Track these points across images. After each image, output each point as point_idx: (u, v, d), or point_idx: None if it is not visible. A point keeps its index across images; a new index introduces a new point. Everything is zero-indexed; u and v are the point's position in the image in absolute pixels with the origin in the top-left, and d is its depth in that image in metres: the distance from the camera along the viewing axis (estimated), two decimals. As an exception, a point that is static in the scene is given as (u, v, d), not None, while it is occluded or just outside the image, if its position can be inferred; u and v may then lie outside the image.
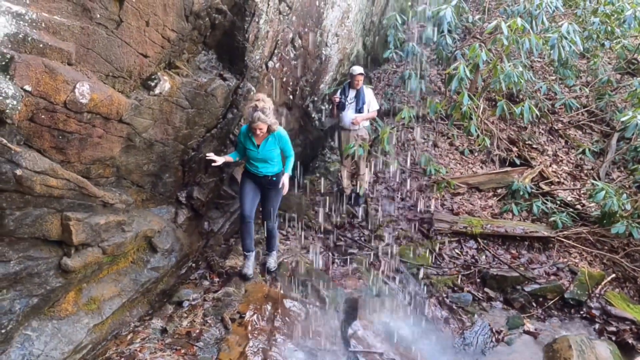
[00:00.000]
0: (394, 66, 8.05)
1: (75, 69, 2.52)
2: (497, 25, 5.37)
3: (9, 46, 2.10)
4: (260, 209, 4.37)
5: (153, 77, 3.16)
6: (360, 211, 6.03)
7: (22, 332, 2.53)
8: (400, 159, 6.60)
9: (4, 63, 2.09)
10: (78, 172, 2.79)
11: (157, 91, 3.17)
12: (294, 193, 5.99)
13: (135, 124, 3.10)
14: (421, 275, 5.10)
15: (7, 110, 2.10)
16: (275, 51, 4.69)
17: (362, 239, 5.64)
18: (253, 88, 4.31)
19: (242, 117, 4.21)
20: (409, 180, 6.49)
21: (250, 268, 4.24)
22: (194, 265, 4.35)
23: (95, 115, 2.70)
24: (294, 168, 4.39)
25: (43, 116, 2.38)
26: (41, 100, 2.32)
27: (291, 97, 5.52)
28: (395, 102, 7.33)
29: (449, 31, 6.17)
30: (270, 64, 4.70)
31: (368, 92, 5.58)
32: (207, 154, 3.86)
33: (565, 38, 5.43)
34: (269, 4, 4.06)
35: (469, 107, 5.61)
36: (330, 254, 5.29)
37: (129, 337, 3.26)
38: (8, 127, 2.20)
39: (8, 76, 2.10)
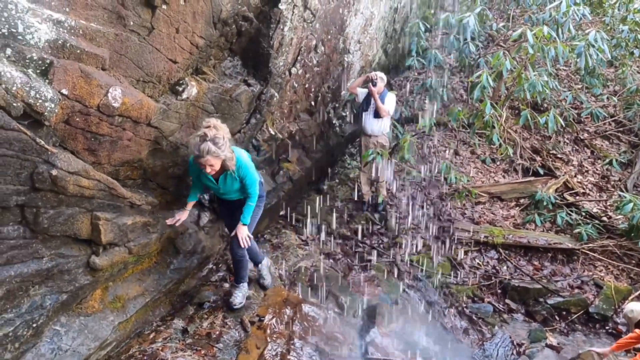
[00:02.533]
0: (416, 74, 8.03)
1: (109, 74, 2.61)
2: (523, 33, 5.31)
3: (49, 52, 2.20)
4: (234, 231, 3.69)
5: (181, 82, 3.25)
6: (379, 218, 6.01)
7: (51, 327, 2.62)
8: (420, 167, 6.56)
9: (43, 68, 2.18)
10: (108, 173, 2.88)
11: (184, 96, 3.26)
12: (314, 197, 6.03)
13: (163, 127, 3.18)
14: (440, 284, 5.04)
15: (46, 113, 2.19)
16: (299, 58, 4.75)
17: (381, 246, 5.62)
18: (276, 94, 4.37)
19: (189, 148, 3.26)
20: (429, 189, 6.44)
21: (238, 297, 3.77)
22: (214, 267, 4.41)
23: (126, 119, 2.79)
24: (257, 215, 3.71)
25: (77, 119, 2.47)
26: (76, 104, 2.41)
27: (313, 103, 5.57)
28: (416, 109, 7.31)
29: (472, 39, 6.14)
30: (294, 70, 4.76)
31: (390, 98, 5.58)
32: (167, 221, 3.44)
33: (593, 46, 5.33)
34: (293, 12, 4.13)
35: (491, 116, 5.55)
36: (349, 260, 5.29)
37: (151, 336, 3.32)
38: (45, 129, 2.30)
39: (47, 80, 2.20)
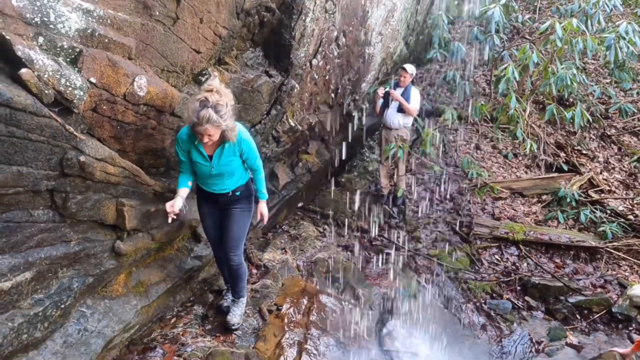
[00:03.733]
0: (438, 66, 7.91)
1: (135, 63, 2.66)
2: (551, 25, 5.17)
3: (79, 40, 2.26)
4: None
5: (204, 72, 3.28)
6: (397, 212, 5.99)
7: (78, 309, 2.71)
8: (441, 161, 6.49)
9: (73, 56, 2.24)
10: (132, 161, 2.94)
11: (207, 86, 3.29)
12: (332, 189, 6.04)
13: (186, 117, 3.23)
14: (459, 279, 5.00)
15: (75, 101, 2.25)
16: (320, 49, 4.74)
17: (399, 239, 5.59)
18: (297, 85, 4.38)
19: (183, 116, 2.93)
20: (449, 183, 6.37)
21: (237, 316, 3.38)
22: (233, 256, 4.47)
23: (151, 108, 2.84)
24: (269, 183, 3.44)
25: (104, 107, 2.53)
26: (104, 92, 2.47)
27: (333, 95, 5.55)
28: (438, 103, 7.21)
29: (497, 31, 6.00)
30: (314, 61, 4.75)
31: (414, 93, 5.51)
32: (168, 210, 2.85)
33: (624, 38, 5.15)
34: (315, 2, 4.11)
35: (516, 110, 5.44)
36: (366, 252, 5.29)
37: (172, 320, 3.40)
38: (74, 117, 2.36)
39: (77, 68, 2.25)
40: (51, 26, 2.10)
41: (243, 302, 3.52)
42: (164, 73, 2.95)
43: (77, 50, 2.24)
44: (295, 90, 4.37)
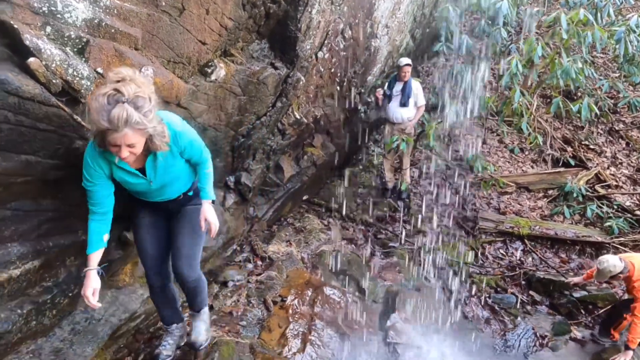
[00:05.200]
0: (444, 60, 7.86)
1: (141, 53, 2.66)
2: (557, 17, 5.11)
3: (86, 30, 2.26)
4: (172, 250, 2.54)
5: (210, 64, 3.28)
6: (402, 205, 5.99)
7: (85, 297, 2.74)
8: (446, 155, 6.47)
9: (80, 46, 2.24)
10: (138, 152, 2.96)
11: (213, 78, 3.29)
12: (337, 183, 6.04)
13: (192, 108, 3.23)
14: (463, 273, 5.00)
15: (82, 90, 2.25)
16: (326, 42, 4.72)
17: (404, 233, 5.60)
18: (302, 78, 4.37)
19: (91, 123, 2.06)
20: (454, 177, 6.35)
21: (168, 347, 2.69)
22: (238, 248, 4.50)
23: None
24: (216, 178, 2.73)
25: (111, 98, 2.54)
26: (110, 83, 2.47)
27: (338, 88, 5.54)
28: (443, 96, 7.18)
29: (505, 24, 5.95)
30: (320, 54, 4.74)
31: (415, 86, 5.51)
32: (88, 303, 2.21)
33: (634, 32, 5.09)
34: (322, -6, 4.09)
35: (520, 104, 5.40)
36: (370, 246, 5.30)
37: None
38: (81, 107, 2.37)
39: (84, 58, 2.26)
40: (58, 16, 2.11)
41: (206, 313, 2.81)
42: (170, 64, 2.95)
43: (84, 40, 2.25)
44: (301, 82, 4.36)
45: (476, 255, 5.30)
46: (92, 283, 2.20)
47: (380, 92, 5.59)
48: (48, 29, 2.07)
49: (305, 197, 5.83)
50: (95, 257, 2.25)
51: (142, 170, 2.21)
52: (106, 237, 2.28)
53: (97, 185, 2.18)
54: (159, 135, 2.04)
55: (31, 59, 1.98)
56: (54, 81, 2.08)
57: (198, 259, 2.60)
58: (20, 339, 2.34)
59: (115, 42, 2.44)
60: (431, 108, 6.63)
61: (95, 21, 2.28)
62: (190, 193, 2.54)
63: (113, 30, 2.40)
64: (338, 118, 5.78)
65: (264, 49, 4.01)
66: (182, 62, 3.04)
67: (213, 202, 2.54)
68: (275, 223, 5.26)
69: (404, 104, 5.50)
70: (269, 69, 3.91)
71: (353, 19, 5.06)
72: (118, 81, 1.90)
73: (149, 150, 2.12)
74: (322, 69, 4.94)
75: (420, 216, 5.84)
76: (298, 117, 4.76)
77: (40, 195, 2.33)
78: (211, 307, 3.59)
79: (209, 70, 3.29)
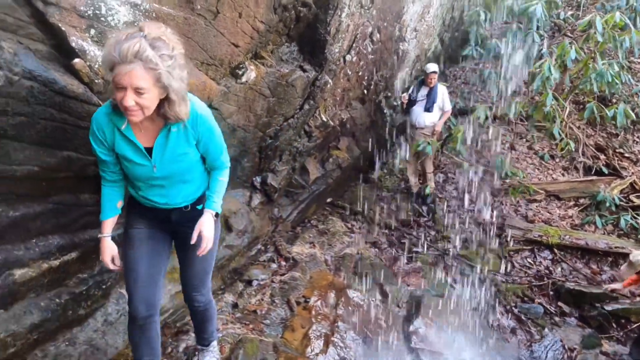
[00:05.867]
0: (473, 64, 7.76)
1: (177, 55, 2.75)
2: (591, 20, 4.98)
3: (126, 33, 2.35)
4: (180, 273, 2.34)
5: (241, 66, 3.35)
6: (427, 210, 5.93)
7: (117, 290, 2.83)
8: (473, 160, 6.37)
9: (121, 48, 2.34)
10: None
11: (243, 79, 3.36)
12: (361, 186, 6.04)
13: (222, 109, 3.31)
14: (488, 280, 4.91)
15: (121, 91, 2.35)
16: (354, 45, 4.74)
17: (428, 238, 5.54)
18: (330, 81, 4.40)
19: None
20: (481, 183, 6.25)
21: None
22: (263, 248, 4.56)
23: (190, 99, 2.92)
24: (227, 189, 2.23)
25: (148, 98, 2.63)
26: (147, 83, 2.56)
27: (365, 91, 5.55)
28: (471, 101, 7.08)
29: (537, 28, 5.83)
30: (348, 57, 4.76)
31: (441, 91, 5.46)
32: (111, 267, 2.10)
33: (674, 37, 4.90)
34: (352, -2, 4.12)
35: (552, 108, 5.28)
36: (394, 250, 5.27)
37: (203, 307, 3.50)
38: (120, 106, 2.47)
39: (123, 60, 2.35)
40: (102, 19, 2.20)
41: (215, 347, 2.58)
42: (204, 66, 3.03)
43: (125, 42, 2.34)
44: (329, 85, 4.40)
45: (503, 264, 5.19)
46: (109, 249, 2.08)
47: (405, 97, 5.58)
48: (92, 31, 2.17)
49: (329, 200, 5.85)
50: (109, 223, 2.09)
51: (149, 151, 1.88)
52: (120, 203, 2.09)
53: (101, 154, 1.93)
54: (177, 95, 1.69)
55: (76, 60, 2.07)
56: (96, 81, 2.18)
57: (210, 284, 2.39)
58: (58, 328, 2.44)
59: (153, 44, 2.53)
60: (458, 112, 6.55)
61: (135, 24, 2.37)
62: (200, 206, 2.14)
63: (151, 33, 2.49)
64: (364, 121, 5.79)
65: (293, 52, 4.07)
66: (214, 64, 3.11)
67: (217, 215, 2.16)
68: (299, 224, 5.30)
69: (428, 109, 5.47)
70: (298, 72, 3.96)
71: (382, 22, 5.07)
72: (143, 26, 1.66)
73: (164, 122, 1.82)
74: (350, 72, 4.96)
75: (445, 221, 5.77)
76: (325, 119, 4.79)
77: (80, 190, 2.43)
78: (235, 305, 3.65)
79: (240, 72, 3.35)
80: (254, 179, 4.31)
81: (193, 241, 2.04)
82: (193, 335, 2.87)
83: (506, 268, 5.15)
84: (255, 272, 4.09)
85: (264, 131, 4.00)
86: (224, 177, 2.17)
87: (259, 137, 3.99)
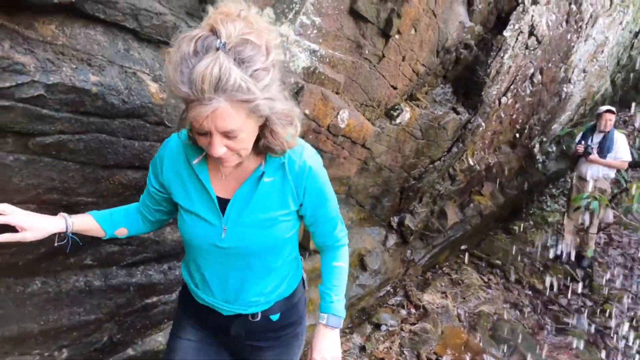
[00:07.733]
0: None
1: (341, 97, 2.85)
2: None
3: (302, 77, 2.51)
4: None
5: (396, 107, 3.34)
6: (582, 275, 5.10)
7: None
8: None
9: (295, 91, 2.50)
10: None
11: (398, 121, 3.34)
12: (501, 237, 5.50)
13: (374, 149, 3.33)
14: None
15: (292, 130, 2.50)
16: (512, 86, 4.41)
17: (583, 309, 4.74)
18: (483, 123, 4.14)
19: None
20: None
21: None
22: (392, 290, 4.40)
23: (347, 139, 3.00)
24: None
25: (310, 136, 2.76)
26: (313, 123, 2.70)
27: (517, 135, 5.10)
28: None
29: None
30: (504, 99, 4.44)
31: (619, 138, 4.70)
32: None
33: None
34: (517, 39, 3.85)
35: None
36: (540, 317, 4.61)
37: (332, 344, 3.48)
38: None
39: (297, 102, 2.51)
40: (285, 65, 2.39)
41: None
42: (362, 107, 3.09)
43: (300, 85, 2.50)
44: (481, 128, 4.14)
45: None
46: (36, 217, 1.18)
47: (581, 148, 4.82)
48: (276, 76, 2.36)
49: (463, 247, 5.44)
50: (86, 219, 1.29)
51: (223, 205, 1.23)
52: (123, 231, 1.36)
53: (156, 190, 1.31)
54: (283, 120, 1.12)
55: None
56: (274, 122, 2.35)
57: None
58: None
59: (323, 86, 2.66)
60: (633, 164, 5.59)
61: (311, 69, 2.52)
62: (276, 316, 1.40)
63: (323, 77, 2.62)
64: (512, 167, 5.31)
65: (447, 93, 3.94)
66: (372, 105, 3.16)
67: (339, 322, 1.45)
68: (430, 270, 5.01)
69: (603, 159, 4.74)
70: (451, 114, 3.81)
71: (546, 63, 4.64)
72: (222, 14, 0.97)
73: (255, 165, 1.22)
74: (503, 115, 4.62)
75: (605, 292, 4.88)
76: (472, 163, 4.51)
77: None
78: (363, 348, 3.55)
79: (395, 114, 3.34)
80: (391, 218, 4.23)
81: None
82: None
83: (694, 366, 4.10)
84: (384, 316, 3.95)
85: (409, 172, 3.91)
86: (342, 262, 1.45)
87: (402, 178, 3.91)
